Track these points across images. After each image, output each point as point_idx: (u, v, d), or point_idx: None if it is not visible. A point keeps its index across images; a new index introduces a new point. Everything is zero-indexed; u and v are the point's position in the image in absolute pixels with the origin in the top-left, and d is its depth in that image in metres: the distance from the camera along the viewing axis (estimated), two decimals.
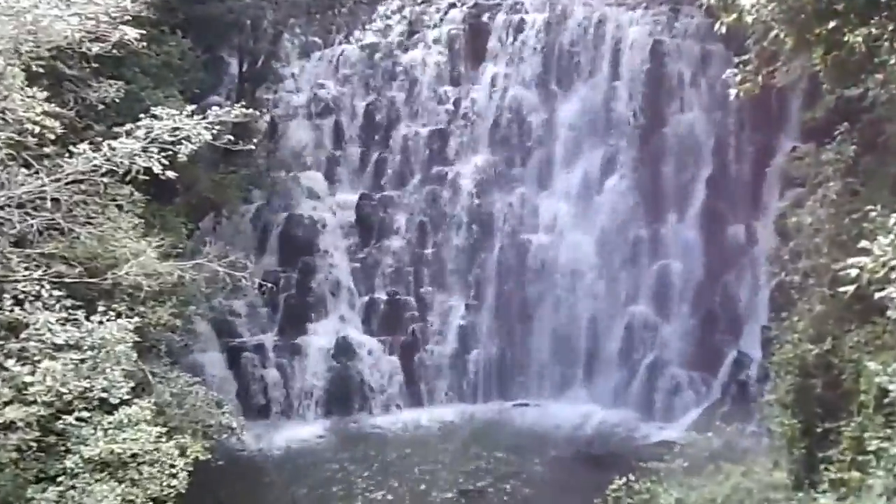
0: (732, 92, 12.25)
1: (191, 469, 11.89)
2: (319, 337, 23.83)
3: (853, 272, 8.30)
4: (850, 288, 8.38)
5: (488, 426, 22.82)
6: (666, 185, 23.62)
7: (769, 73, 12.15)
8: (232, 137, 13.67)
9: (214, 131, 12.86)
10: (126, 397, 11.78)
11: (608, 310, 23.63)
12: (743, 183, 22.98)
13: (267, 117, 25.42)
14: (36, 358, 11.10)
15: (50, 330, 11.17)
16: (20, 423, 10.57)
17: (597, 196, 24.22)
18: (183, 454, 12.05)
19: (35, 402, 10.72)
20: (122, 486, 10.97)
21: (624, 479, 11.85)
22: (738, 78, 12.12)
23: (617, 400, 23.00)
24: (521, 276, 24.34)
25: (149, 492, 11.12)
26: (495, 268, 24.70)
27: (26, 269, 12.00)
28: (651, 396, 22.56)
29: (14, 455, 10.68)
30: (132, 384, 12.07)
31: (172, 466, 11.56)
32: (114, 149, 12.19)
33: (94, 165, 12.07)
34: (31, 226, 12.06)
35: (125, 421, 11.49)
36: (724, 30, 11.41)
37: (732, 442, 13.46)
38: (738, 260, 22.73)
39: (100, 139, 12.63)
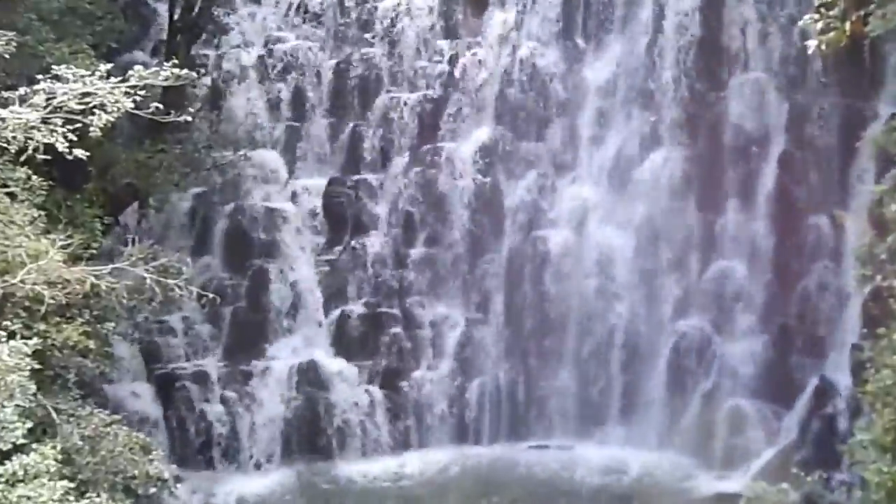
0: (811, 44, 11.82)
1: None
2: (278, 362, 23.77)
3: None
4: None
5: (496, 475, 22.58)
6: (725, 166, 23.36)
7: (859, 20, 11.69)
8: (161, 106, 13.37)
9: (138, 98, 12.61)
10: (22, 442, 11.53)
11: (650, 325, 23.43)
12: (826, 161, 22.74)
13: (207, 80, 25.34)
14: None
15: None
16: None
17: (634, 180, 23.95)
18: None
19: None
20: None
21: None
22: (820, 25, 11.64)
23: (663, 441, 22.82)
24: (538, 283, 24.17)
25: None
26: (504, 272, 24.53)
27: None
28: (707, 436, 22.32)
29: None
30: (30, 425, 11.80)
31: None
32: (2, 119, 11.92)
33: None
34: None
35: (21, 473, 11.20)
36: None
37: (814, 495, 13.21)
38: (819, 260, 22.50)
39: None
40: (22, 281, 12.36)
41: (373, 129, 25.88)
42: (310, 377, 23.48)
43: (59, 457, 11.89)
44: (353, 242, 24.93)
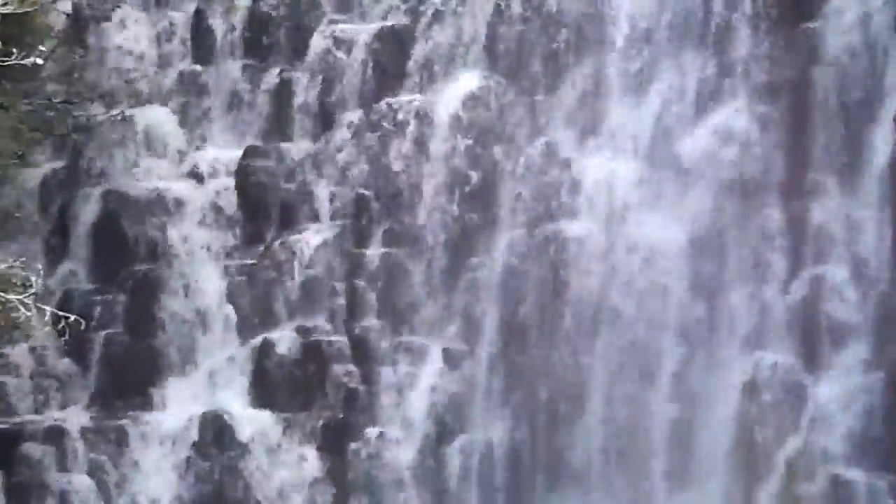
0: None
1: None
2: (169, 413, 22.35)
3: None
4: None
5: None
6: (817, 131, 20.85)
7: None
8: None
9: None
10: None
11: (712, 360, 20.78)
12: None
13: (66, 5, 23.70)
14: None
15: None
16: None
17: (688, 152, 21.19)
18: None
19: None
20: None
21: None
22: None
23: None
24: (549, 299, 21.45)
25: None
26: (499, 283, 21.73)
27: None
28: None
29: None
30: None
31: None
32: None
33: None
34: None
35: None
36: None
37: None
38: None
39: None
40: None
41: (308, 76, 23.47)
42: (216, 436, 22.09)
43: None
44: (280, 240, 22.72)
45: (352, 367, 22.05)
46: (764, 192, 21.20)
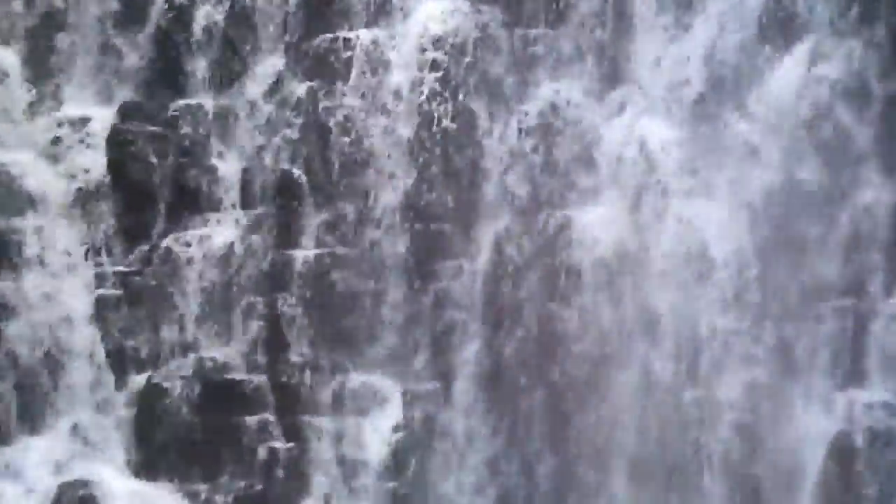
0: None
1: None
2: (14, 484, 19.97)
3: None
4: None
5: None
6: None
7: None
8: None
9: None
10: None
11: (783, 406, 18.64)
12: None
13: None
14: None
15: None
16: None
17: (749, 108, 18.88)
18: None
19: None
20: None
21: None
22: None
23: None
24: (554, 318, 19.13)
25: None
26: (481, 296, 19.49)
27: None
28: None
29: None
30: None
31: None
32: None
33: None
34: None
35: None
36: None
37: None
38: None
39: None
40: None
41: (211, 3, 21.12)
42: None
43: None
44: (171, 238, 20.34)
45: (273, 418, 19.66)
46: (854, 168, 18.92)
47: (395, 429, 19.53)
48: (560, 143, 19.43)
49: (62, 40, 21.58)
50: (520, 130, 19.70)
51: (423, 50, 20.09)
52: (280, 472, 19.48)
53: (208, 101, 20.75)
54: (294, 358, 19.72)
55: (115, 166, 20.80)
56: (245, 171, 20.37)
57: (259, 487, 19.45)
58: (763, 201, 18.85)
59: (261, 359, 19.84)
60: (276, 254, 19.99)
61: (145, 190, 20.66)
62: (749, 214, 18.86)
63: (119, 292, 20.56)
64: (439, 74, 19.89)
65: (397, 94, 20.03)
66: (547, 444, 19.48)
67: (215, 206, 20.43)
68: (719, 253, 18.89)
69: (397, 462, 19.58)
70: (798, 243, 18.92)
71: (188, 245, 20.32)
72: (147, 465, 19.88)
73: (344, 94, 20.08)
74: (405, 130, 19.82)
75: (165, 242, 20.38)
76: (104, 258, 20.88)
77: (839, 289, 18.79)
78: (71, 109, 21.39)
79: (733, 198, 18.92)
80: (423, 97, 19.90)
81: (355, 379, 19.61)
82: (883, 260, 18.72)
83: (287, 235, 20.13)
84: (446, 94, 19.88)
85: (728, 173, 18.97)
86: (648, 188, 19.33)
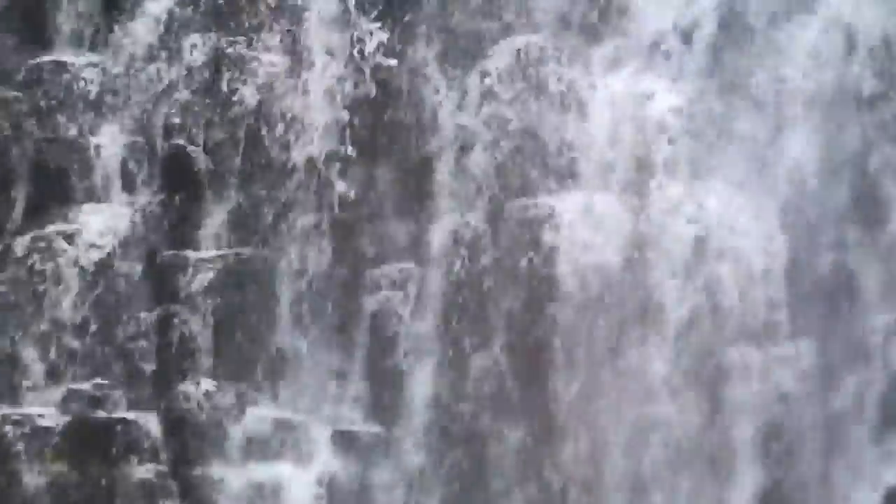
0: None
1: None
2: None
3: None
4: None
5: None
6: None
7: None
8: None
9: None
10: None
11: (827, 462, 14.87)
12: None
13: None
14: None
15: None
16: None
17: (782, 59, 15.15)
18: None
19: None
20: None
21: None
22: None
23: None
24: (524, 337, 15.05)
25: None
26: (435, 306, 15.38)
27: None
28: None
29: None
30: None
31: None
32: None
33: None
34: None
35: None
36: None
37: None
38: None
39: None
40: None
41: None
42: None
43: None
44: (31, 235, 15.79)
45: (165, 469, 15.22)
46: None
47: (322, 482, 15.48)
48: (535, 109, 15.54)
49: None
50: (480, 93, 15.96)
51: None
52: None
53: (81, 58, 16.47)
54: (191, 390, 15.46)
55: None
56: (127, 148, 15.97)
57: None
58: (797, 186, 15.12)
59: (148, 391, 15.44)
60: (168, 256, 15.66)
61: None
62: (781, 203, 15.22)
63: None
64: (381, 24, 16.51)
65: (328, 50, 16.84)
66: (516, 497, 15.77)
67: (88, 194, 15.97)
68: (739, 255, 14.92)
69: None
70: (839, 241, 15.35)
71: (52, 245, 15.91)
72: None
73: (257, 49, 16.14)
74: (334, 92, 15.84)
75: (23, 240, 15.81)
76: None
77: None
78: None
79: (760, 180, 15.26)
80: (361, 53, 16.81)
81: (270, 417, 15.46)
82: None
83: (181, 232, 15.81)
84: (392, 46, 16.01)
85: (754, 147, 15.51)
86: (645, 166, 15.36)
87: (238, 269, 15.63)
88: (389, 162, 15.46)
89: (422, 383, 15.11)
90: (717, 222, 14.84)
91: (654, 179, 15.04)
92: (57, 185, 15.94)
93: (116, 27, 16.03)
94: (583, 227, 14.95)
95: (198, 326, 15.55)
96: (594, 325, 14.77)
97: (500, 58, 15.34)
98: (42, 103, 16.04)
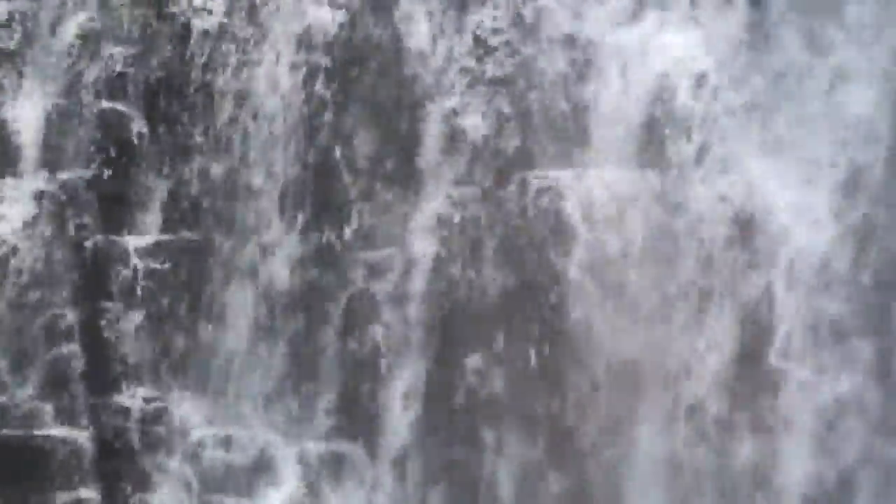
0: None
1: None
2: None
3: None
4: None
5: None
6: None
7: None
8: None
9: None
10: None
11: None
12: None
13: None
14: None
15: None
16: None
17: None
18: None
19: None
20: None
21: None
22: None
23: None
24: (529, 335, 12.21)
25: None
26: (420, 302, 12.45)
27: None
28: None
29: None
30: None
31: None
32: None
33: None
34: None
35: None
36: None
37: None
38: None
39: None
40: None
41: None
42: None
43: None
44: None
45: (97, 496, 12.81)
46: None
47: None
48: (539, 66, 12.56)
49: None
50: (477, 45, 12.87)
51: None
52: None
53: None
54: (127, 402, 13.19)
55: None
56: (48, 115, 13.40)
57: None
58: (856, 155, 11.93)
59: (76, 404, 13.08)
60: (99, 241, 13.21)
61: None
62: (837, 179, 12.39)
63: None
64: None
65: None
66: None
67: (3, 169, 13.47)
68: (790, 238, 12.65)
69: None
70: None
71: None
72: None
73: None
74: (303, 48, 13.14)
75: None
76: None
77: None
78: None
79: (813, 153, 12.18)
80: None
81: (223, 434, 12.99)
82: None
83: (115, 214, 13.27)
84: None
85: (804, 114, 12.48)
86: (680, 139, 12.45)
87: (184, 257, 13.33)
88: (366, 127, 13.15)
89: (405, 391, 12.46)
90: (759, 202, 12.44)
91: (682, 149, 12.47)
92: None
93: None
94: (594, 206, 12.20)
95: (134, 325, 13.15)
96: (612, 324, 12.09)
97: (497, 6, 13.09)
98: None
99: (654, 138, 12.25)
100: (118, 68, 13.14)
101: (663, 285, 11.91)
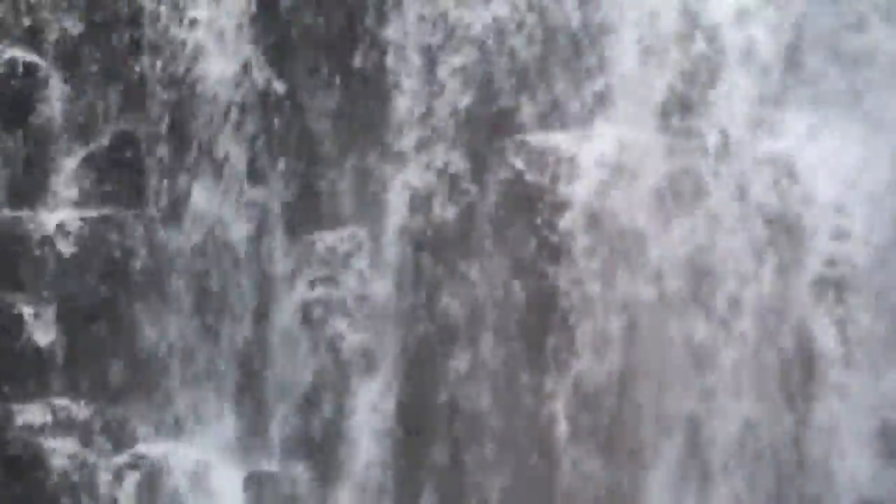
0: None
1: None
2: None
3: None
4: None
5: None
6: None
7: None
8: None
9: None
10: None
11: None
12: None
13: None
14: None
15: None
16: None
17: None
18: None
19: None
20: None
21: None
22: None
23: None
24: (526, 328, 9.86)
25: None
26: (394, 291, 9.97)
27: None
28: None
29: None
30: None
31: None
32: None
33: None
34: None
35: None
36: None
37: None
38: None
39: None
40: None
41: None
42: None
43: None
44: None
45: None
46: None
47: None
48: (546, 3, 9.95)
49: None
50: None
51: None
52: None
53: None
54: (37, 420, 10.35)
55: None
56: None
57: None
58: None
59: None
60: (6, 220, 10.65)
61: None
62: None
63: None
64: None
65: None
66: None
67: None
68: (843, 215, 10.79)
69: None
70: None
71: None
72: None
73: None
74: None
75: None
76: None
77: None
78: None
79: (870, 124, 9.77)
80: None
81: (157, 454, 10.43)
82: None
83: (27, 187, 10.69)
84: None
85: (861, 78, 11.11)
86: (716, 103, 9.61)
87: (106, 238, 10.68)
88: (329, 81, 10.44)
89: (372, 402, 10.02)
90: (805, 173, 9.94)
91: (711, 110, 9.93)
92: None
93: None
94: (610, 176, 9.63)
95: (48, 320, 10.66)
96: (628, 319, 9.45)
97: None
98: None
99: (683, 100, 10.34)
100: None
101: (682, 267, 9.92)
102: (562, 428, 9.58)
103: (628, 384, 9.59)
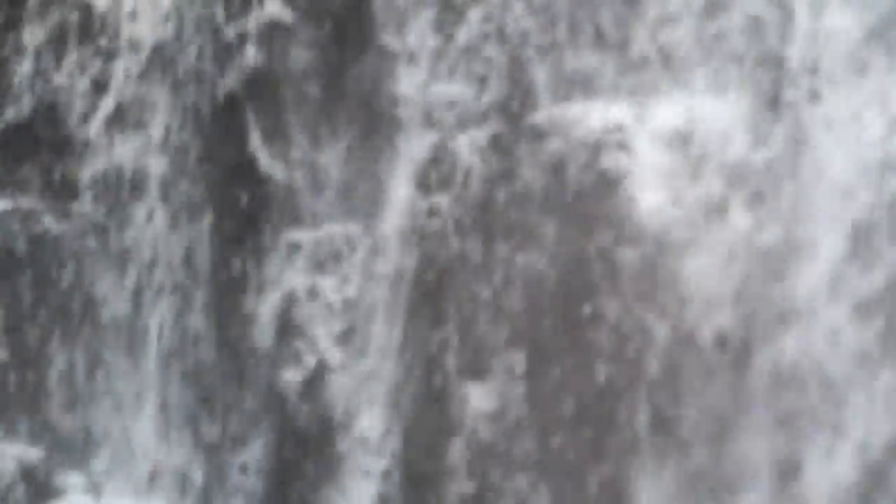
0: None
1: None
2: None
3: None
4: None
5: None
6: None
7: None
8: None
9: None
10: None
11: None
12: None
13: None
14: None
15: None
16: None
17: None
18: None
19: None
20: None
21: None
22: None
23: None
24: (566, 338, 6.90)
25: None
26: (406, 297, 7.61)
27: None
28: None
29: None
30: None
31: None
32: None
33: None
34: None
35: None
36: None
37: None
38: None
39: None
40: None
41: None
42: None
43: None
44: None
45: None
46: None
47: None
48: None
49: None
50: None
51: None
52: None
53: None
54: None
55: None
56: None
57: None
58: None
59: None
60: None
61: None
62: None
63: None
64: None
65: None
66: None
67: None
68: None
69: None
70: None
71: None
72: None
73: None
74: None
75: None
76: None
77: None
78: None
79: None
80: None
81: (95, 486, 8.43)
82: None
83: None
84: None
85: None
86: (789, 66, 8.06)
87: (29, 230, 8.63)
88: (313, 41, 8.05)
89: (367, 437, 7.80)
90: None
91: (788, 81, 8.23)
92: None
93: None
94: (671, 157, 7.20)
95: None
96: (687, 329, 7.89)
97: None
98: None
99: (754, 74, 8.31)
100: None
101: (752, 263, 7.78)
102: None
103: None
